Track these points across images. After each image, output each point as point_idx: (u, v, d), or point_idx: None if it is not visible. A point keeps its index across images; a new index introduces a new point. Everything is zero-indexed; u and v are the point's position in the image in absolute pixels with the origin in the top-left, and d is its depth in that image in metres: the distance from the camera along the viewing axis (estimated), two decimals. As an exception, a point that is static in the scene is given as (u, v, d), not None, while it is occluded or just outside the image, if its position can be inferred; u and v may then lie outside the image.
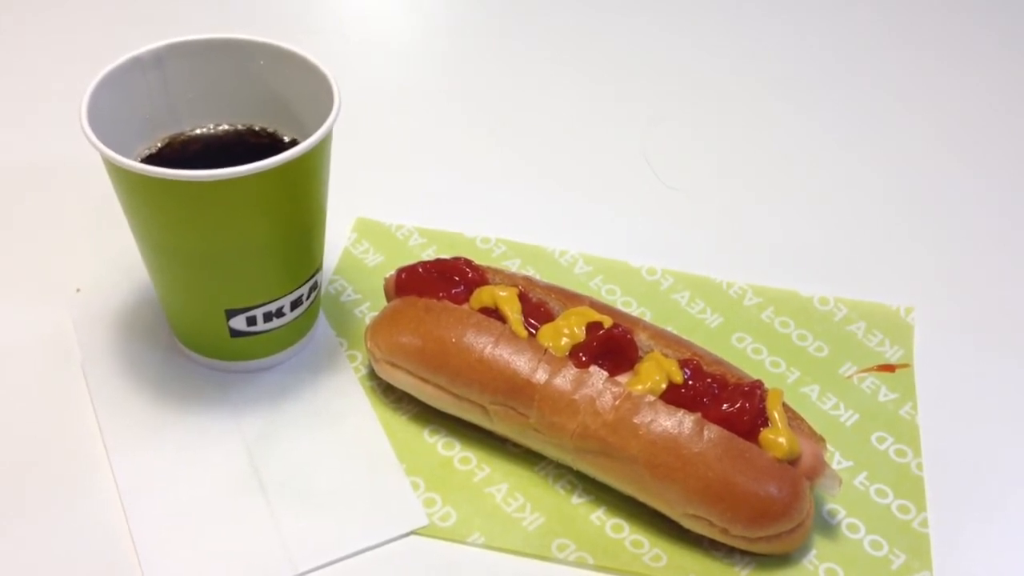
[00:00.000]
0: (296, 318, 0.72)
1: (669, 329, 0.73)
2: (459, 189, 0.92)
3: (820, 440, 0.67)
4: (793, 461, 0.64)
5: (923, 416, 0.74)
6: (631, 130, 0.99)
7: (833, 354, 0.79)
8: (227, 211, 0.63)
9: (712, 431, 0.63)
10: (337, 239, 0.84)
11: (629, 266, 0.85)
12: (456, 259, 0.73)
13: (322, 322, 0.77)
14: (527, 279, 0.73)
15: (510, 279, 0.72)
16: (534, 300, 0.70)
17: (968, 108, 1.08)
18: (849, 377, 0.77)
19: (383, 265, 0.82)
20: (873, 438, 0.73)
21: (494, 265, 0.76)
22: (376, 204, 0.87)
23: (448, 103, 1.07)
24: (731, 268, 0.84)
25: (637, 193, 0.92)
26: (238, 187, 0.62)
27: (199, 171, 0.61)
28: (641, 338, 0.69)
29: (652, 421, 0.64)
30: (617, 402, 0.64)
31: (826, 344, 0.79)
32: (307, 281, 0.71)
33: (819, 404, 0.75)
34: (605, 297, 0.82)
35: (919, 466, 0.72)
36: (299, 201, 0.67)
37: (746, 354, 0.78)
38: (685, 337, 0.72)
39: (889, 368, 0.78)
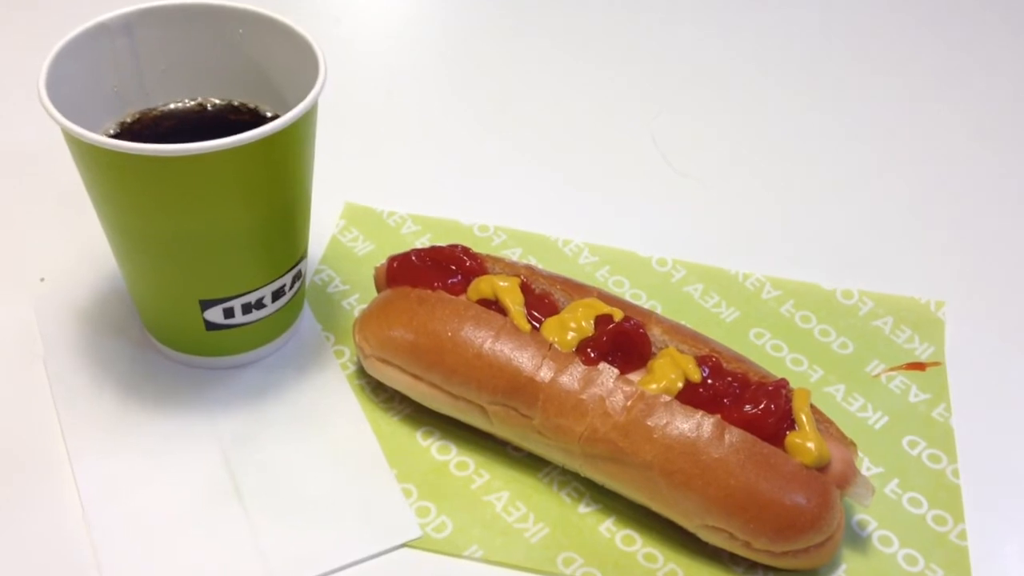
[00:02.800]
0: (278, 310, 0.69)
1: (684, 324, 0.69)
2: (456, 174, 0.89)
3: (851, 445, 0.64)
4: (822, 468, 0.61)
5: (957, 418, 0.71)
6: (639, 114, 0.96)
7: (859, 351, 0.75)
8: (201, 191, 0.60)
9: (734, 434, 0.60)
10: (324, 226, 0.81)
11: (638, 256, 0.81)
12: (453, 246, 0.69)
13: (307, 315, 0.74)
14: (529, 268, 0.69)
15: (511, 268, 0.69)
16: (537, 291, 0.67)
17: (1005, 94, 1.04)
18: (877, 376, 0.74)
19: (373, 254, 0.79)
20: (904, 442, 0.70)
21: (494, 254, 0.72)
22: (367, 189, 0.84)
23: (445, 84, 1.03)
24: (747, 259, 0.81)
25: (646, 180, 0.89)
26: (213, 164, 0.58)
27: (169, 145, 0.57)
28: (655, 333, 0.66)
29: (667, 423, 0.60)
30: (629, 402, 0.61)
31: (851, 340, 0.76)
32: (290, 270, 0.68)
33: (845, 405, 0.72)
34: (612, 289, 0.78)
35: (955, 472, 0.68)
36: (281, 181, 0.63)
37: (765, 351, 0.75)
38: (701, 332, 0.68)
39: (919, 366, 0.75)
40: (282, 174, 0.63)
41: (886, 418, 0.71)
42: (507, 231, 0.83)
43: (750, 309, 0.78)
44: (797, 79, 1.05)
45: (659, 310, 0.76)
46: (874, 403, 0.72)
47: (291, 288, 0.69)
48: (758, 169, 0.92)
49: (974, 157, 0.96)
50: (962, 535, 0.65)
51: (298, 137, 0.62)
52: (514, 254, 0.81)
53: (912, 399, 0.72)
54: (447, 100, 1.00)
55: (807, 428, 0.61)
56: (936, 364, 0.75)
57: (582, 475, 0.64)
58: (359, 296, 0.76)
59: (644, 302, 0.80)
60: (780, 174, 0.91)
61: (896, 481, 0.68)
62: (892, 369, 0.74)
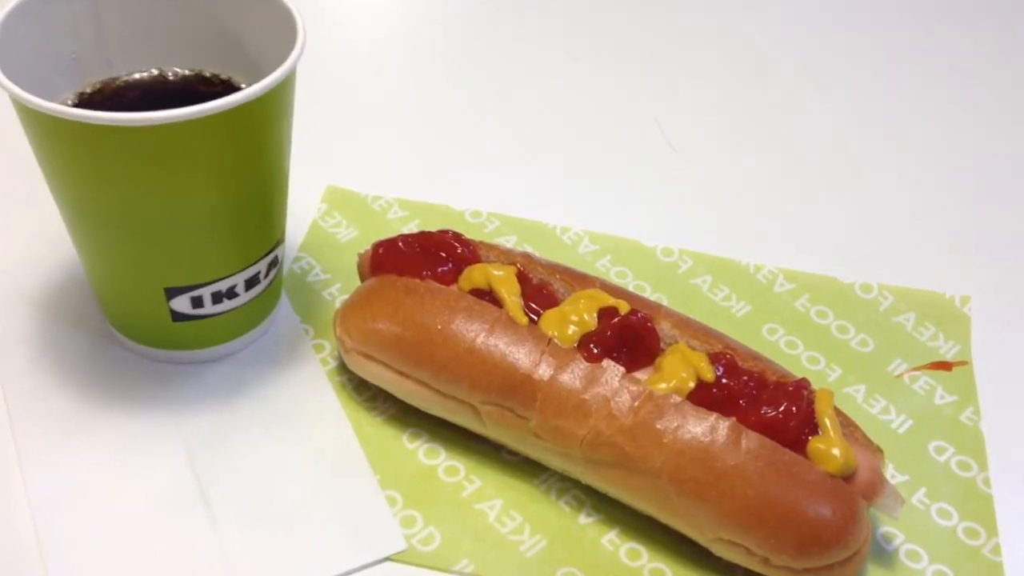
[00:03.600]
0: (252, 300, 0.66)
1: (694, 318, 0.66)
2: (447, 156, 0.86)
3: (877, 451, 0.61)
4: (848, 477, 0.58)
5: (987, 422, 0.68)
6: (642, 95, 0.94)
7: (880, 349, 0.72)
8: (166, 166, 0.56)
9: (751, 439, 0.57)
10: (304, 210, 0.78)
11: (641, 246, 0.79)
12: (443, 232, 0.66)
13: (284, 306, 0.72)
14: (527, 256, 0.67)
15: (507, 256, 0.66)
16: (535, 281, 0.65)
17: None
18: (899, 376, 0.71)
19: (357, 240, 0.77)
20: (931, 448, 0.67)
21: (488, 241, 0.70)
22: (351, 172, 0.82)
23: (437, 61, 1.00)
24: (759, 249, 0.79)
25: (649, 164, 0.87)
26: (179, 135, 0.55)
27: (130, 114, 0.53)
28: (663, 327, 0.63)
29: (678, 427, 0.57)
30: (636, 403, 0.58)
31: (871, 337, 0.73)
32: (265, 256, 0.65)
33: (866, 407, 0.69)
34: (615, 280, 0.75)
35: (986, 481, 0.65)
36: (255, 157, 0.60)
37: (779, 348, 0.72)
38: (714, 327, 0.65)
39: (945, 366, 0.72)
40: (256, 149, 0.60)
41: (910, 421, 0.68)
42: (501, 217, 0.80)
43: (762, 303, 0.75)
44: (814, 56, 1.02)
45: (665, 303, 0.71)
46: (897, 405, 0.69)
47: (266, 276, 0.66)
48: (770, 154, 0.89)
49: (1003, 144, 0.93)
50: (996, 550, 0.61)
51: (273, 108, 0.59)
52: (509, 242, 0.79)
53: (938, 401, 0.70)
54: (438, 77, 0.97)
55: (831, 433, 0.58)
56: (963, 363, 0.72)
57: (583, 482, 0.62)
58: (341, 286, 0.73)
59: (649, 295, 0.76)
60: (794, 159, 0.89)
61: (923, 490, 0.65)
62: (916, 369, 0.71)
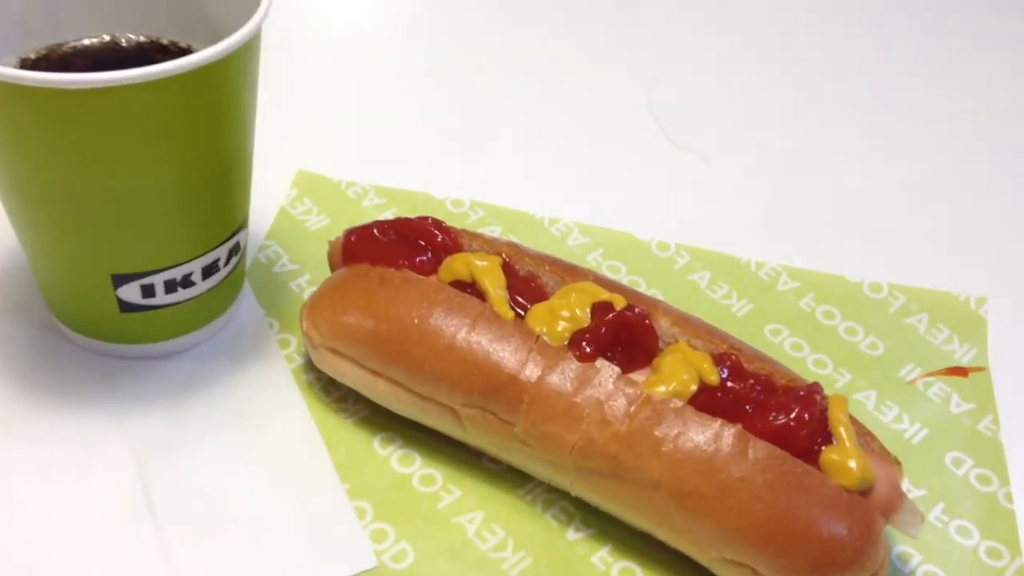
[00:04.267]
0: (210, 290, 0.63)
1: (696, 316, 0.64)
2: (428, 141, 0.85)
3: (895, 463, 0.58)
4: (864, 491, 0.55)
5: (1007, 432, 0.66)
6: (635, 80, 0.93)
7: (891, 353, 0.71)
8: (114, 137, 0.53)
9: (759, 449, 0.54)
10: (271, 195, 0.76)
11: (635, 239, 0.77)
12: (422, 219, 0.64)
13: (247, 297, 0.69)
14: (513, 246, 0.65)
15: (491, 245, 0.64)
16: (522, 273, 0.63)
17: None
18: (913, 382, 0.69)
19: (329, 229, 0.74)
20: (948, 459, 0.65)
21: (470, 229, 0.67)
22: (323, 156, 0.80)
23: (416, 40, 0.97)
24: (761, 245, 0.77)
25: (643, 154, 0.86)
26: (130, 101, 0.51)
27: (75, 75, 0.50)
28: (662, 324, 0.61)
29: (679, 434, 0.55)
30: (633, 408, 0.56)
31: (881, 340, 0.71)
32: (225, 241, 0.62)
33: (877, 415, 0.67)
34: (607, 276, 0.72)
35: (1008, 496, 0.63)
36: (214, 128, 0.57)
37: (783, 350, 0.70)
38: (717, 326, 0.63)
39: (960, 371, 0.70)
40: (214, 121, 0.57)
41: (925, 431, 0.66)
42: (485, 207, 0.78)
43: (765, 302, 0.73)
44: (821, 41, 1.00)
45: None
46: (911, 413, 0.67)
47: (227, 264, 0.63)
48: (772, 144, 0.88)
49: (1022, 139, 0.91)
50: (1021, 572, 0.59)
51: (234, 75, 0.56)
52: (493, 233, 0.76)
53: (954, 409, 0.67)
54: (420, 57, 0.95)
55: (847, 442, 0.55)
56: (979, 369, 0.70)
57: (572, 494, 0.59)
58: (310, 277, 0.71)
59: (643, 291, 0.71)
60: (797, 150, 0.88)
61: (941, 506, 0.62)
62: (930, 374, 0.69)
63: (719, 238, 0.77)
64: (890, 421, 0.66)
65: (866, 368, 0.69)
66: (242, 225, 0.63)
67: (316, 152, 0.80)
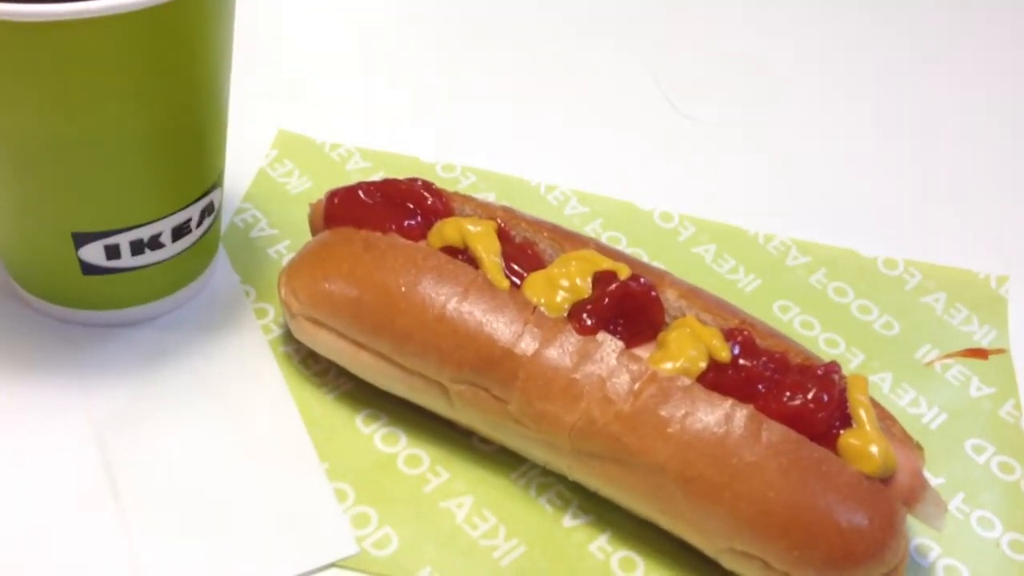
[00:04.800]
0: (181, 253, 0.62)
1: (705, 289, 0.62)
2: (417, 102, 0.83)
3: (917, 449, 0.57)
4: (885, 479, 0.53)
5: None
6: (638, 43, 0.91)
7: (906, 333, 0.69)
8: (74, 77, 0.51)
9: (773, 432, 0.52)
10: (250, 156, 0.74)
11: (637, 209, 0.76)
12: (411, 180, 0.63)
13: (222, 263, 0.68)
14: (508, 211, 0.63)
15: (485, 210, 0.63)
16: (518, 239, 0.61)
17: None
18: (930, 363, 0.67)
19: (310, 192, 0.73)
20: (968, 446, 0.63)
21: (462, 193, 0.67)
22: (306, 115, 0.78)
23: None
24: (769, 217, 0.75)
25: (646, 121, 0.85)
26: (91, 37, 0.49)
27: (27, 6, 0.47)
28: (669, 297, 0.59)
29: (687, 415, 0.53)
30: (637, 386, 0.54)
31: (896, 320, 0.70)
32: (198, 200, 0.60)
33: (893, 398, 0.65)
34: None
35: None
36: (184, 71, 0.55)
37: (792, 328, 0.69)
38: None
39: (980, 353, 0.68)
40: (185, 62, 0.54)
41: (944, 415, 0.64)
42: (477, 172, 0.76)
43: (773, 277, 0.72)
44: (832, 6, 0.98)
45: (666, 273, 0.70)
46: (928, 396, 0.65)
47: (199, 225, 0.62)
48: (781, 111, 0.87)
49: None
50: None
51: (207, 11, 0.53)
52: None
53: (974, 393, 0.66)
54: (411, 11, 0.93)
55: (868, 426, 0.53)
56: (1000, 351, 0.68)
57: (570, 477, 0.58)
58: (290, 243, 0.70)
59: None
60: (807, 117, 0.87)
61: (961, 496, 0.60)
62: (948, 356, 0.67)
63: (726, 209, 0.75)
64: (907, 405, 0.64)
65: (881, 349, 0.67)
66: (216, 183, 0.62)
67: (298, 111, 0.79)
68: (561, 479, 0.58)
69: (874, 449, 0.52)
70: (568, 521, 0.57)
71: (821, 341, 0.67)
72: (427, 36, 0.89)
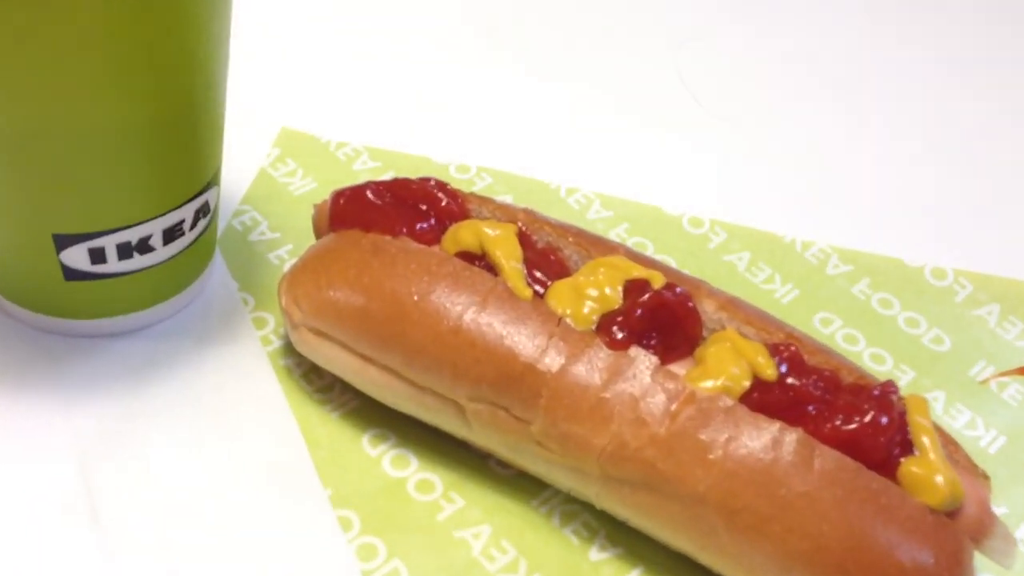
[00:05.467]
0: (173, 258, 0.59)
1: (746, 300, 0.60)
2: (430, 99, 0.81)
3: (983, 478, 0.54)
4: (952, 511, 0.50)
5: None
6: (662, 40, 0.89)
7: (959, 348, 0.67)
8: (54, 61, 0.48)
9: (827, 458, 0.50)
10: (250, 154, 0.73)
11: (664, 213, 0.73)
12: (424, 180, 0.60)
13: (218, 269, 0.66)
14: (530, 213, 0.61)
15: (505, 212, 0.60)
16: (541, 244, 0.59)
17: None
18: (985, 382, 0.65)
19: (315, 194, 0.71)
20: None
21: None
22: (310, 112, 0.77)
23: None
24: (806, 222, 0.73)
25: (673, 120, 0.83)
26: (71, 13, 0.46)
27: None
28: (707, 308, 0.57)
29: (730, 439, 0.50)
30: (674, 406, 0.51)
31: (947, 334, 0.68)
32: (191, 200, 0.58)
33: (947, 419, 0.63)
34: None
35: None
36: (176, 57, 0.52)
37: (835, 342, 0.67)
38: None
39: None
40: (177, 46, 0.51)
41: (1003, 438, 0.62)
42: (493, 173, 0.74)
43: (812, 287, 0.69)
44: None
45: (699, 283, 0.68)
46: (985, 418, 0.63)
47: (193, 227, 0.59)
48: (817, 110, 0.85)
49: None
50: None
51: None
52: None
53: None
54: (423, 5, 0.90)
55: (931, 453, 0.50)
56: None
57: (597, 506, 0.55)
58: (293, 248, 0.68)
59: None
60: (847, 116, 0.84)
61: None
62: (1004, 374, 0.66)
63: (759, 214, 0.73)
64: (962, 427, 0.62)
65: (931, 365, 0.65)
66: (211, 182, 0.59)
67: (302, 107, 0.77)
68: (588, 507, 0.56)
69: (939, 479, 0.49)
70: (595, 554, 0.55)
71: (866, 357, 0.65)
72: (442, 29, 0.87)
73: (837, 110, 0.83)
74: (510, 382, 0.53)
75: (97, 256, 0.55)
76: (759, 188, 0.76)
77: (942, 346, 0.66)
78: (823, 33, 0.91)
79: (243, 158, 0.71)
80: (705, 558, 0.52)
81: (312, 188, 0.71)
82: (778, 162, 0.79)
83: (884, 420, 0.50)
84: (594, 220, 0.71)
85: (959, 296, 0.69)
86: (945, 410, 0.63)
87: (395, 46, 0.85)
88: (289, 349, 0.61)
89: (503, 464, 0.58)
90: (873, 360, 0.65)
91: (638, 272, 0.55)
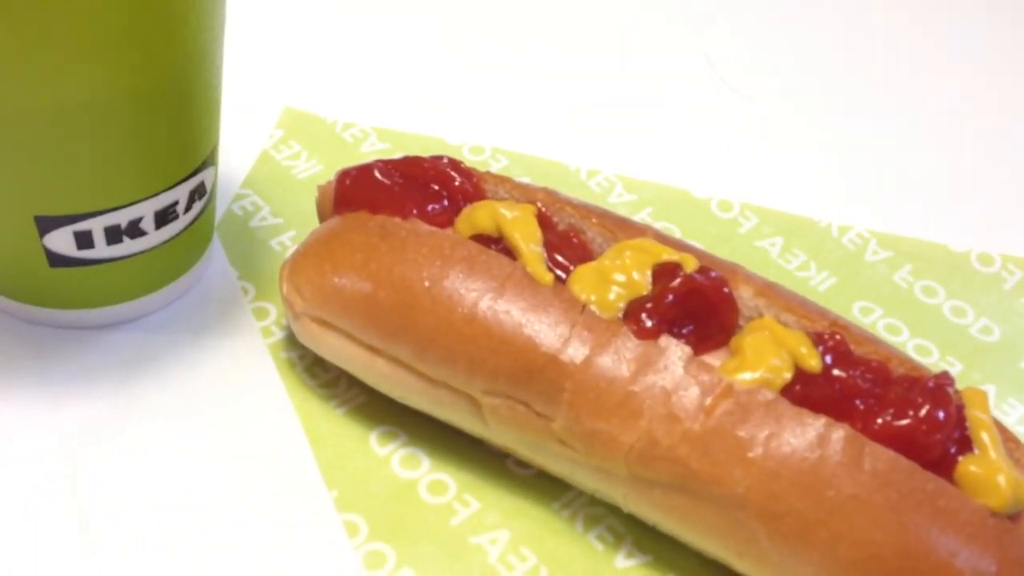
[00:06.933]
0: (166, 243, 0.58)
1: (784, 285, 0.57)
2: (442, 76, 0.79)
3: None
4: (1014, 515, 0.48)
5: None
6: (687, 17, 0.87)
7: (1008, 338, 0.65)
8: (35, 29, 0.46)
9: (878, 457, 0.47)
10: (252, 136, 0.71)
11: (691, 197, 0.71)
12: (436, 158, 0.58)
13: (216, 256, 0.65)
14: (550, 194, 0.58)
15: (523, 192, 0.58)
16: (562, 227, 0.56)
17: None
18: None
19: (319, 177, 0.70)
20: None
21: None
22: (315, 91, 0.76)
23: None
24: (842, 206, 0.71)
25: (699, 101, 0.81)
26: None
27: None
28: (743, 294, 0.54)
29: (771, 436, 0.48)
30: (709, 400, 0.49)
31: (995, 323, 0.65)
32: (186, 180, 0.56)
33: (999, 415, 0.61)
34: None
35: None
36: (167, 23, 0.49)
37: (876, 332, 0.64)
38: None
39: None
40: (165, 10, 0.49)
41: None
42: (509, 155, 0.73)
43: (850, 275, 0.67)
44: None
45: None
46: None
47: (188, 209, 0.57)
48: (851, 88, 0.83)
49: None
50: None
51: None
52: None
53: None
54: None
55: (992, 451, 0.48)
56: None
57: (625, 509, 0.53)
58: (296, 233, 0.66)
59: None
60: (883, 94, 0.82)
61: None
62: None
63: (792, 197, 0.72)
64: (1015, 423, 0.60)
65: (980, 357, 0.63)
66: (208, 162, 0.57)
67: (307, 86, 0.76)
68: (614, 511, 0.54)
69: (1001, 479, 0.47)
70: (621, 562, 0.53)
71: (910, 348, 0.63)
72: (455, 6, 0.85)
73: (872, 89, 0.81)
74: (530, 375, 0.50)
75: (84, 240, 0.53)
76: (790, 170, 0.74)
77: (991, 336, 0.64)
78: (861, 7, 0.88)
79: (244, 139, 0.70)
80: (743, 566, 0.49)
81: (317, 171, 0.69)
82: (810, 142, 0.77)
83: (940, 415, 0.47)
84: (617, 204, 0.70)
85: (1008, 283, 0.67)
86: (996, 405, 0.61)
87: (405, 20, 0.82)
88: (292, 342, 0.60)
89: (522, 464, 0.56)
90: (918, 352, 0.62)
91: (668, 255, 0.53)
